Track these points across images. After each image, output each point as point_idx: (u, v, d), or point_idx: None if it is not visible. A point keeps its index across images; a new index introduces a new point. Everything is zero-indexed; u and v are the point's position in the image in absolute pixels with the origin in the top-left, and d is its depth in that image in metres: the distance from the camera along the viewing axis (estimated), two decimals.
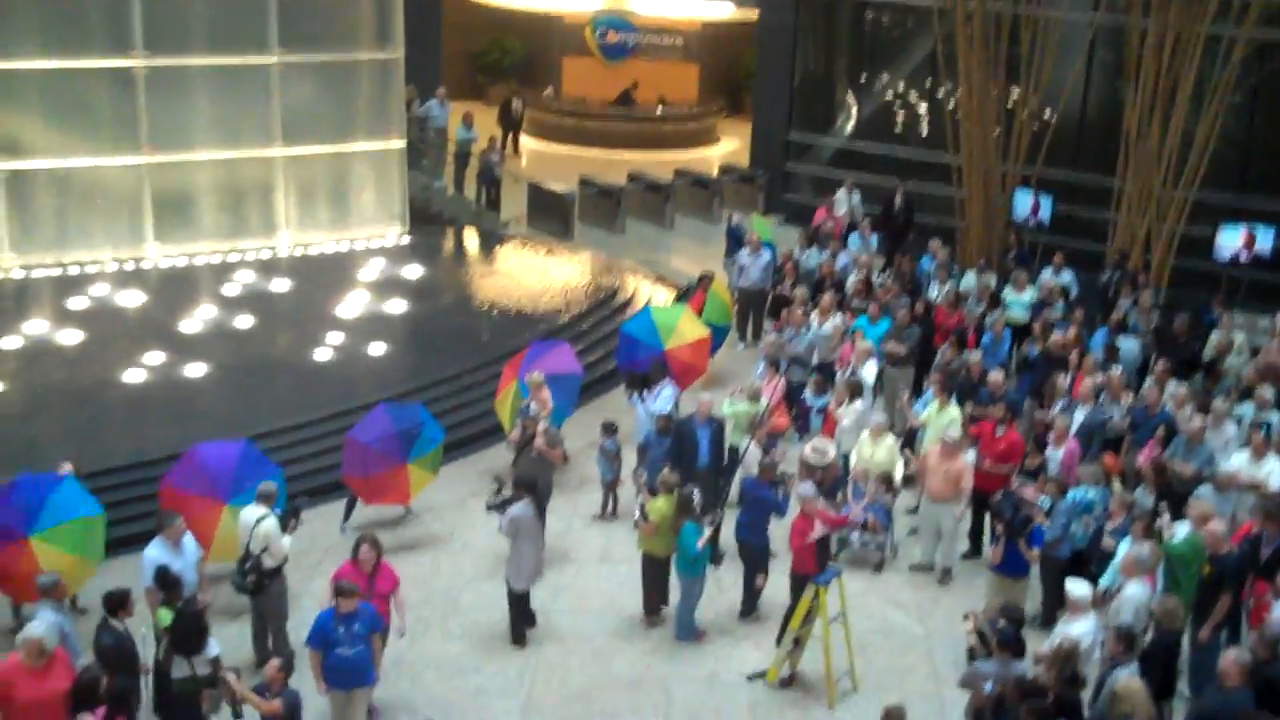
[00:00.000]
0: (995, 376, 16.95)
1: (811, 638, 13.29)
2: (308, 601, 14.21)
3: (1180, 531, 13.35)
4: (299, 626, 13.25)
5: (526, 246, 25.83)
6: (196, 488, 14.05)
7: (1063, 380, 17.03)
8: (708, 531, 13.91)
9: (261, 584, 13.16)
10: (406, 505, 16.41)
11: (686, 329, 18.63)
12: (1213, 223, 22.14)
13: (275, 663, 11.43)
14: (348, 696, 11.94)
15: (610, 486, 16.76)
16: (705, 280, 20.76)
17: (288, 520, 13.34)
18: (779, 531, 14.60)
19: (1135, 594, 12.32)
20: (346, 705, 11.98)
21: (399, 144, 25.53)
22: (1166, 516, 13.73)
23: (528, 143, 33.29)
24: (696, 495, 14.26)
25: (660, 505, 14.05)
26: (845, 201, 24.69)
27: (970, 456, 15.46)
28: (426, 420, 16.00)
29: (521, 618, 14.19)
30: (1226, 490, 14.59)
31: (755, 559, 14.47)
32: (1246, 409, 16.45)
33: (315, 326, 20.76)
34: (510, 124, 32.25)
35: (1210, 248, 22.00)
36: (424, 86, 28.13)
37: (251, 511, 13.25)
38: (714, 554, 14.55)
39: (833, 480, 15.32)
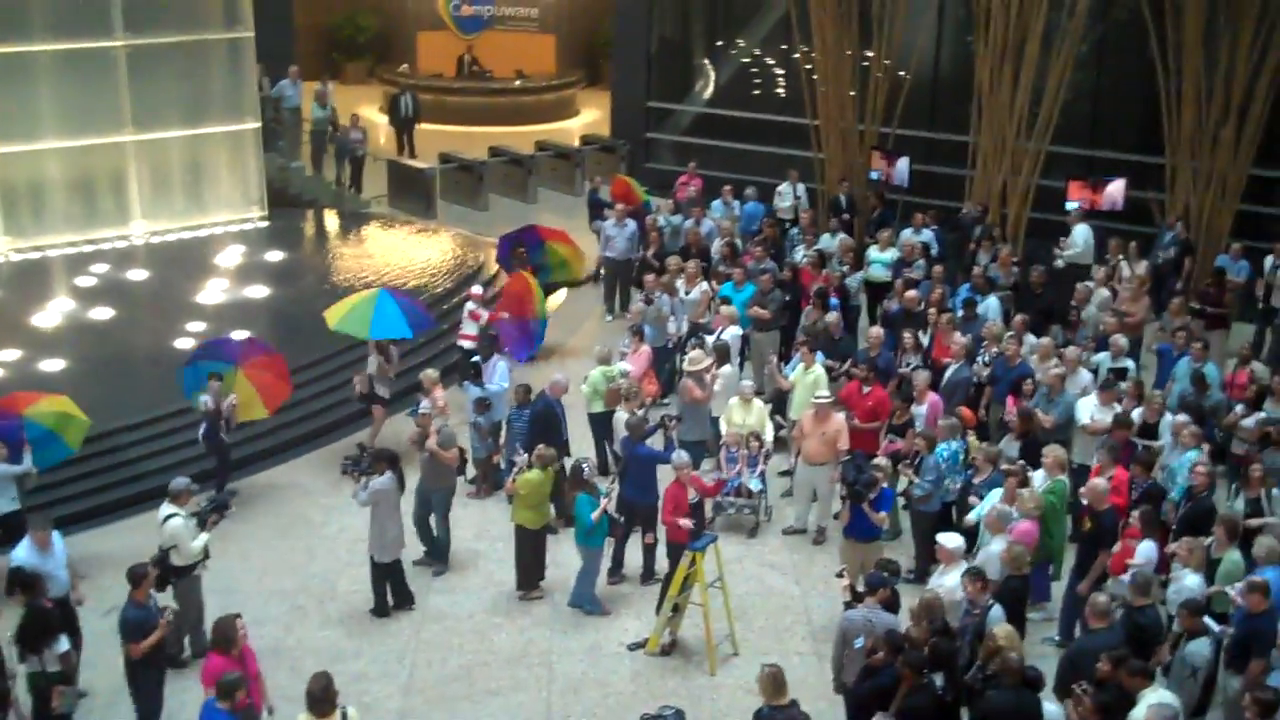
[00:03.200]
0: (875, 331, 17.20)
1: (690, 604, 13.39)
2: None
3: (1037, 481, 13.61)
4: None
5: (388, 226, 25.55)
6: None
7: (910, 336, 17.31)
8: (603, 503, 13.93)
9: (166, 581, 12.90)
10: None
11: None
12: (1065, 175, 22.52)
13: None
14: None
15: (484, 463, 16.67)
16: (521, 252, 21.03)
17: (208, 517, 13.19)
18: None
19: (1000, 550, 12.47)
20: None
21: (254, 125, 25.08)
22: (1028, 469, 14.01)
23: (376, 118, 32.17)
24: (587, 467, 14.32)
25: (532, 478, 14.06)
26: (790, 194, 23.95)
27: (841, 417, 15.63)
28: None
29: (385, 590, 14.12)
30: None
31: (645, 517, 14.49)
32: (1103, 357, 16.85)
33: (176, 315, 20.29)
34: (401, 123, 29.20)
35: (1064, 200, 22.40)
36: (277, 65, 27.55)
37: (163, 509, 13.10)
38: (612, 526, 14.52)
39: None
